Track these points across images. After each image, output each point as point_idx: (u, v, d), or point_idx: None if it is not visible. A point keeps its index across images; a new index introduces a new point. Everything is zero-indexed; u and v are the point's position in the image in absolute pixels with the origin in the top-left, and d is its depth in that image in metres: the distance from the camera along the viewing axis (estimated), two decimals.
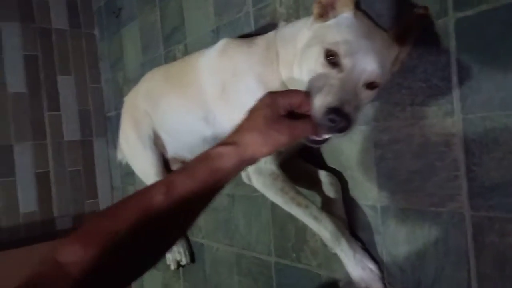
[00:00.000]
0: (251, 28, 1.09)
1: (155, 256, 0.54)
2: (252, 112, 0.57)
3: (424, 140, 0.74)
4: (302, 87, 0.66)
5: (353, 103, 0.60)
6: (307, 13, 0.87)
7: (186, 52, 1.36)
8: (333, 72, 0.63)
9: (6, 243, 1.67)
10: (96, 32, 2.01)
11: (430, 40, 0.72)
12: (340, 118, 0.57)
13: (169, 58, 1.46)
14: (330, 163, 0.91)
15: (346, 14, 0.68)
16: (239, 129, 0.56)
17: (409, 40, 0.72)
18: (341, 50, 0.63)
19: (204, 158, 0.54)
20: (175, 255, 1.37)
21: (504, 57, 0.63)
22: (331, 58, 0.63)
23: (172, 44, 1.44)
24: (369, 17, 0.73)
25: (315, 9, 0.70)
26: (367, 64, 0.63)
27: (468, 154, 0.68)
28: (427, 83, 0.73)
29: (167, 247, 0.57)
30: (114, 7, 1.82)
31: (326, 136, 0.62)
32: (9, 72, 1.75)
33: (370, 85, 0.65)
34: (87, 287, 0.44)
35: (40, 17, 1.84)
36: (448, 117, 0.71)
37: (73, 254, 0.44)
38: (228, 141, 0.55)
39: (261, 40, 0.88)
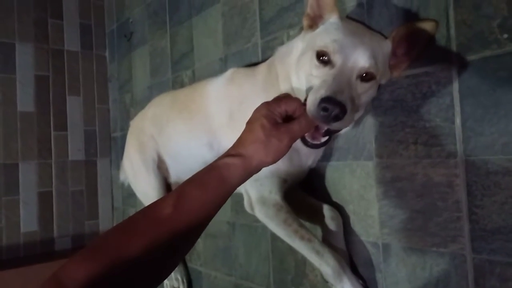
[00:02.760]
0: (258, 58, 1.11)
1: (163, 271, 0.53)
2: (251, 123, 0.59)
3: (427, 179, 0.74)
4: (302, 95, 0.70)
5: (347, 93, 0.63)
6: None
7: (194, 78, 1.39)
8: (326, 69, 0.67)
9: (5, 261, 1.66)
10: (107, 54, 2.05)
11: (434, 81, 0.73)
12: (332, 105, 0.58)
13: (177, 82, 1.49)
14: (332, 197, 0.92)
15: (332, 19, 0.73)
16: (242, 142, 0.58)
17: (413, 47, 0.73)
18: (330, 48, 0.67)
19: (211, 168, 0.57)
20: (173, 282, 1.35)
21: (507, 104, 0.64)
22: (323, 58, 0.68)
23: (180, 69, 1.47)
24: (357, 21, 0.78)
25: (305, 21, 0.76)
26: (357, 56, 0.66)
27: (470, 196, 0.69)
28: (430, 123, 0.74)
29: (176, 261, 0.57)
30: (126, 30, 1.86)
31: (323, 139, 0.65)
32: (20, 91, 1.78)
33: (365, 77, 0.68)
34: None
35: (53, 39, 1.89)
36: (451, 157, 0.71)
37: (74, 271, 0.45)
38: (232, 153, 0.57)
39: (263, 67, 0.92)
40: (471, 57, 0.68)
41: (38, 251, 1.75)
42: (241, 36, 1.18)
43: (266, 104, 0.60)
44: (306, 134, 0.65)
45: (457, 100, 0.70)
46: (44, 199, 1.80)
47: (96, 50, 2.02)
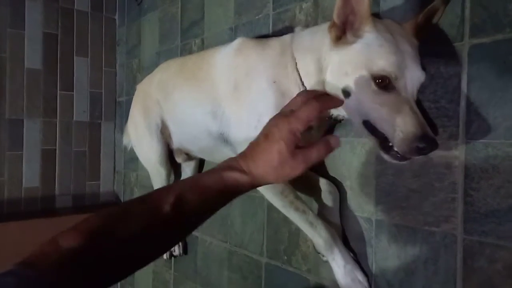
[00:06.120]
0: (269, 30, 1.11)
1: (154, 254, 0.56)
2: (269, 141, 0.55)
3: (426, 159, 0.75)
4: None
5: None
6: (326, 21, 0.88)
7: (203, 46, 1.38)
8: (391, 96, 0.64)
9: (5, 215, 1.70)
10: (116, 17, 2.03)
11: (443, 62, 0.73)
12: (431, 145, 0.59)
13: (185, 50, 1.48)
14: (331, 171, 0.93)
15: (369, 34, 0.67)
16: (254, 159, 0.56)
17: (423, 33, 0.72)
18: (390, 74, 0.64)
19: (217, 180, 0.56)
20: None
21: None
22: (381, 83, 0.65)
23: (190, 37, 1.46)
24: (382, 19, 0.74)
25: (333, 33, 0.71)
26: (416, 75, 0.66)
27: (467, 178, 0.69)
28: (435, 104, 0.74)
29: (169, 247, 0.59)
30: None
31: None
32: (28, 48, 1.77)
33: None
34: (82, 267, 0.45)
35: None
36: (452, 139, 0.71)
37: (69, 237, 0.46)
38: (243, 169, 0.56)
39: (276, 43, 0.89)
40: (483, 40, 0.68)
41: (39, 207, 1.79)
42: (253, 7, 1.16)
43: (287, 123, 0.55)
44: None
45: (465, 83, 0.70)
46: (47, 157, 1.82)
47: (106, 13, 2.00)
